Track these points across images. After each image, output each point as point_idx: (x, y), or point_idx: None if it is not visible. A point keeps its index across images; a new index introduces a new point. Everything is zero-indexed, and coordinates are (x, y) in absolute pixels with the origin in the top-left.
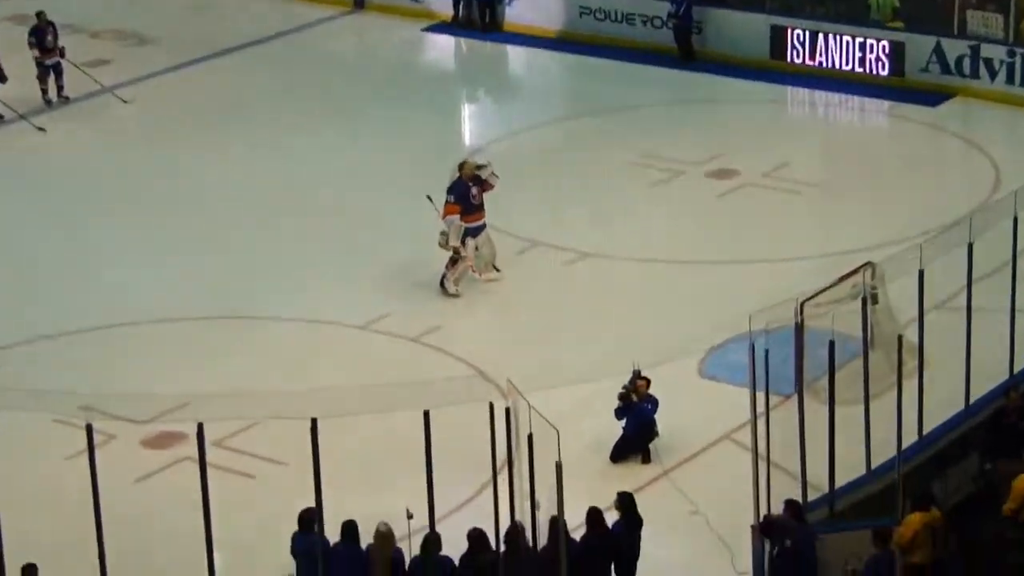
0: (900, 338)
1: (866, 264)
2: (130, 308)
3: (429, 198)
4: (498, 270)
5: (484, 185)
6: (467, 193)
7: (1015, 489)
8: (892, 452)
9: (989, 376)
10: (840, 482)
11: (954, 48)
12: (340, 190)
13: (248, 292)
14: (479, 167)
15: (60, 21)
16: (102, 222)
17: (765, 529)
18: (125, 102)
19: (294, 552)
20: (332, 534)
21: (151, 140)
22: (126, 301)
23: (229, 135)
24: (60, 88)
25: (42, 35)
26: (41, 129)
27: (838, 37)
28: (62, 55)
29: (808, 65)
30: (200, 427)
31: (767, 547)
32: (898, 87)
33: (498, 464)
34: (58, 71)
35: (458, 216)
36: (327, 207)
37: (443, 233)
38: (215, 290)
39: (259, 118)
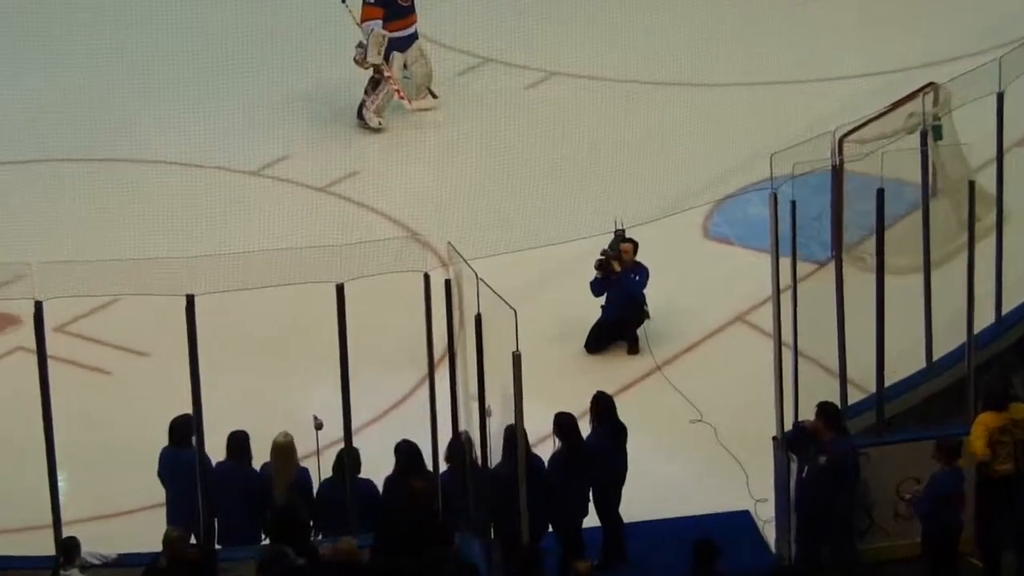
0: (972, 184)
1: (927, 85)
2: None
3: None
4: (435, 95)
5: None
6: None
7: None
8: (961, 338)
9: None
10: (891, 379)
11: None
12: None
13: (105, 125)
14: None
15: None
16: None
17: (793, 442)
18: None
19: (162, 473)
20: (214, 449)
21: None
22: None
23: None
24: None
25: None
26: None
27: None
28: None
29: None
30: (38, 306)
31: (794, 465)
32: None
33: (436, 355)
34: None
35: (380, 22)
36: (204, 15)
37: (360, 45)
38: (60, 119)
39: None
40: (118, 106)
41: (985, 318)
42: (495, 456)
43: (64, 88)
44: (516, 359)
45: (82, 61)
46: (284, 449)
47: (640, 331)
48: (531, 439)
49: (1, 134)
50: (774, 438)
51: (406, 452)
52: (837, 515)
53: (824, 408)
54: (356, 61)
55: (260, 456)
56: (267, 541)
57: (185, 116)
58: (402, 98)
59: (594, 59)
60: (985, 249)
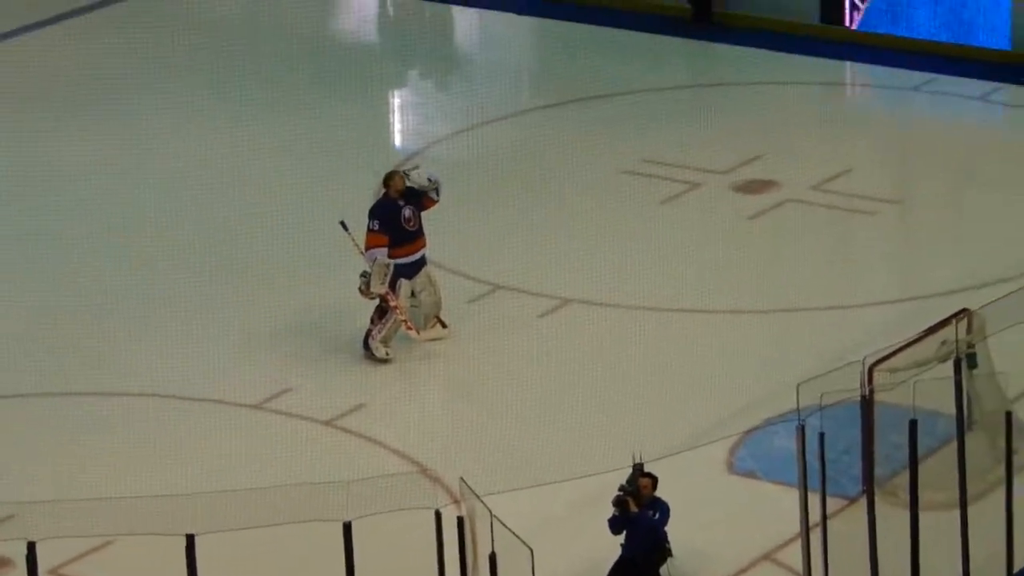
0: (1009, 415)
1: (960, 312)
2: None
3: (343, 225)
4: (444, 325)
5: (423, 202)
6: (397, 216)
7: None
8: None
9: None
10: None
11: None
12: (217, 211)
13: (93, 358)
14: (410, 173)
15: None
16: None
17: None
18: None
19: None
20: None
21: None
22: None
23: (67, 122)
24: None
25: None
26: None
27: None
28: None
29: (877, 33)
30: (31, 548)
31: None
32: (1009, 62)
33: None
34: None
35: (385, 250)
36: (199, 236)
37: (364, 274)
38: (47, 354)
39: (105, 101)
40: (100, 335)
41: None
42: None
43: (37, 314)
44: None
45: (59, 284)
46: None
47: (663, 570)
48: None
49: None
50: None
51: None
52: None
53: None
54: (360, 291)
55: None
56: None
57: (177, 346)
58: (409, 329)
59: (609, 286)
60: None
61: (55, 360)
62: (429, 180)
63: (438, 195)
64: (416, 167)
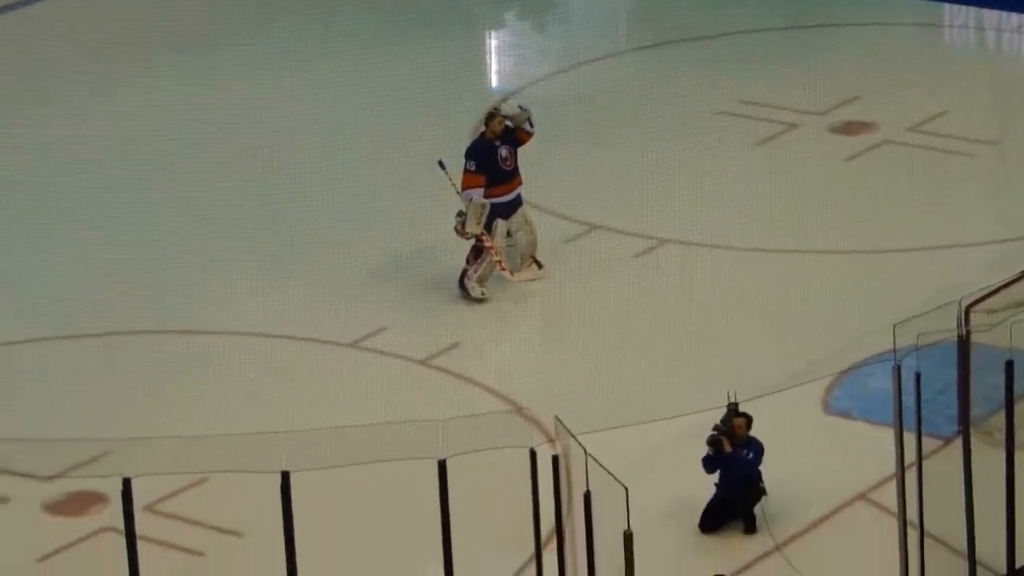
0: None
1: None
2: (21, 319)
3: (441, 164)
4: (540, 265)
5: (519, 136)
6: (494, 156)
7: None
8: None
9: None
10: None
11: None
12: (308, 153)
13: (188, 297)
14: (501, 106)
15: None
16: None
17: None
18: None
19: None
20: None
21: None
22: (14, 307)
23: (141, 85)
24: None
25: None
26: None
27: None
28: None
29: None
30: (126, 484)
31: None
32: None
33: (543, 536)
34: None
35: (481, 190)
36: (291, 178)
37: (460, 214)
38: (141, 293)
39: (182, 44)
40: (198, 273)
41: None
42: None
43: (133, 251)
44: (628, 539)
45: (156, 222)
46: None
47: (757, 509)
48: None
49: (66, 300)
50: None
51: None
52: None
53: None
54: (456, 231)
55: None
56: None
57: (272, 284)
58: (504, 269)
59: (708, 227)
60: None
61: (152, 298)
62: (520, 108)
63: (532, 125)
64: (505, 99)
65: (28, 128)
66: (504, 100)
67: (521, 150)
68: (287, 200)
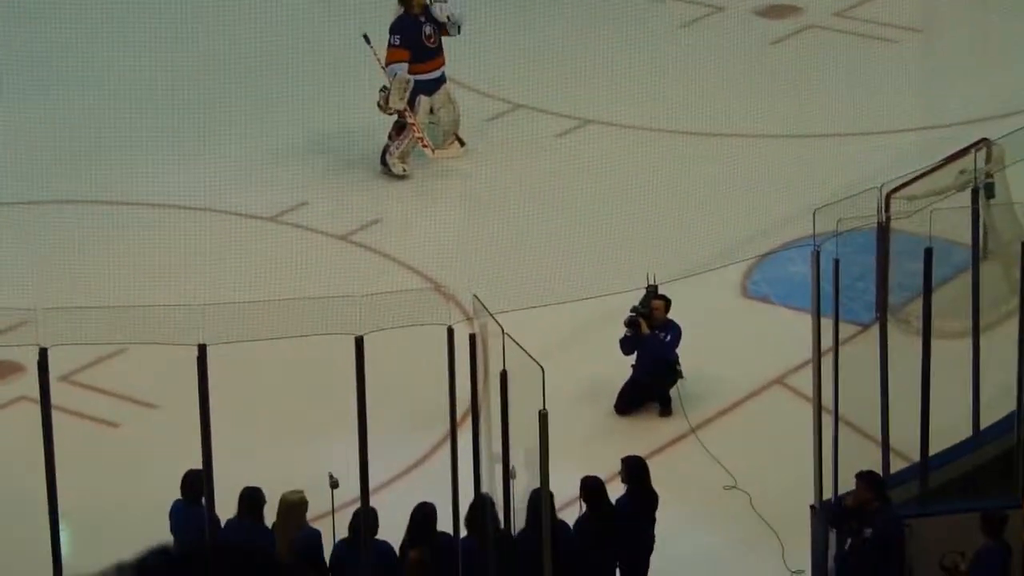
0: None
1: (980, 141)
2: None
3: (365, 37)
4: (462, 143)
5: (442, 28)
6: (418, 32)
7: None
8: (1010, 406)
9: None
10: (937, 447)
11: None
12: (234, 28)
13: (116, 167)
14: (432, 5)
15: None
16: None
17: (836, 517)
18: None
19: (173, 528)
20: (225, 506)
21: None
22: None
23: None
24: None
25: None
26: None
27: None
28: None
29: None
30: (43, 354)
31: (833, 537)
32: None
33: (458, 413)
34: None
35: (405, 65)
36: (216, 55)
37: (384, 88)
38: (66, 168)
39: None
40: (115, 143)
41: None
42: (519, 521)
43: (54, 121)
44: (543, 418)
45: (77, 91)
46: (293, 507)
47: (673, 392)
48: (557, 503)
49: None
50: (812, 507)
51: (424, 514)
52: None
53: (870, 477)
54: (379, 106)
55: (273, 515)
56: None
57: (193, 157)
58: (425, 146)
59: (631, 108)
60: None
61: (74, 167)
62: (449, 18)
63: (458, 32)
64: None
65: None
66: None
67: None
68: (218, 77)
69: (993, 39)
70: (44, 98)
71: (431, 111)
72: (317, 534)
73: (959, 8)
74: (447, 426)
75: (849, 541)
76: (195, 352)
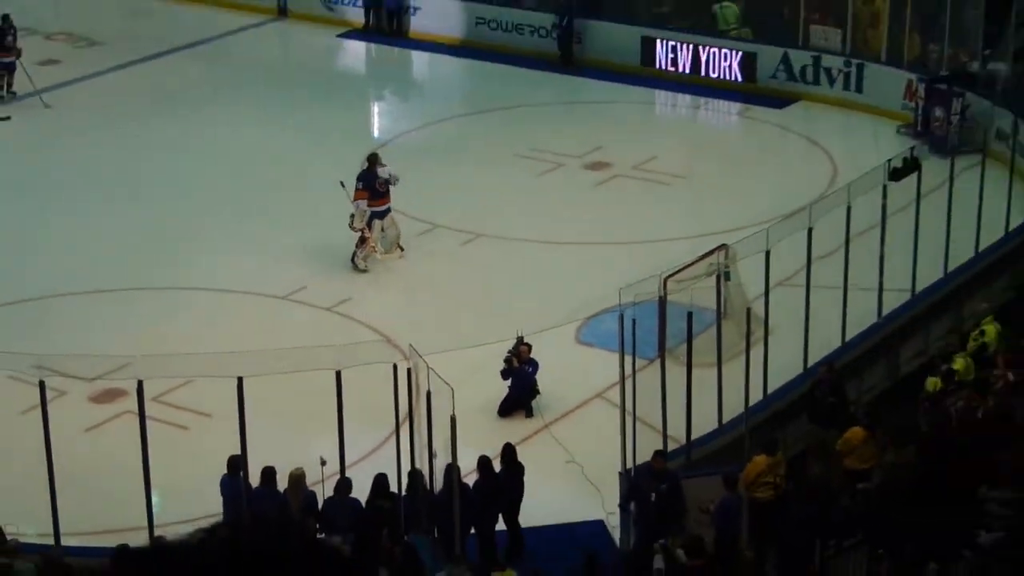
0: (748, 310)
1: (721, 246)
2: (74, 279)
3: (342, 184)
4: (402, 249)
5: (388, 181)
6: (374, 181)
7: (847, 442)
8: (740, 409)
9: (824, 344)
10: (696, 435)
11: (799, 58)
12: (264, 177)
13: (181, 265)
14: (383, 177)
15: (18, 24)
16: (48, 203)
17: (637, 475)
18: (47, 106)
19: (222, 493)
20: (254, 478)
21: (93, 130)
22: (69, 272)
23: (163, 127)
24: (10, 84)
25: (3, 35)
26: (4, 118)
27: (700, 47)
28: (18, 56)
29: (672, 71)
30: (140, 384)
31: (625, 494)
32: (750, 92)
33: (401, 418)
34: (12, 69)
35: (366, 201)
36: (251, 192)
37: (352, 216)
38: (149, 263)
39: (190, 112)
40: (177, 244)
41: (756, 396)
42: (438, 485)
43: (131, 225)
44: (452, 421)
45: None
46: (297, 479)
47: (534, 403)
48: (463, 473)
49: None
50: (620, 472)
51: (380, 481)
52: (673, 518)
53: (661, 454)
54: (349, 226)
55: (284, 484)
56: None
57: (234, 257)
58: (375, 252)
59: (506, 226)
60: (756, 352)
61: (143, 262)
62: (390, 176)
63: (396, 183)
64: (384, 166)
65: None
66: (384, 168)
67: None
68: (248, 205)
69: (735, 182)
70: (112, 206)
71: (382, 229)
72: (313, 495)
73: (708, 163)
74: (393, 425)
75: (655, 495)
76: (235, 382)
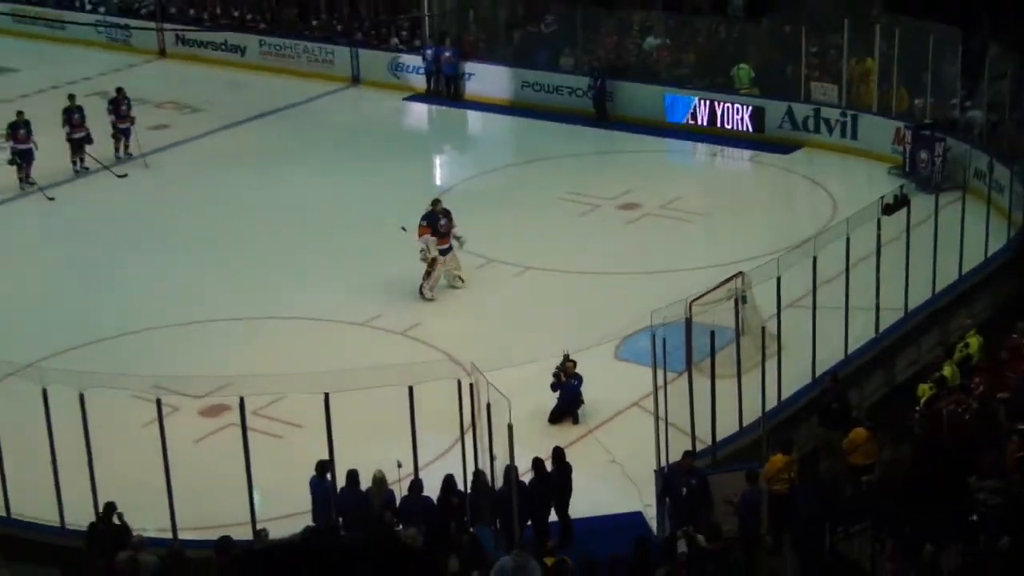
0: (763, 329)
1: (738, 273)
2: (182, 311)
3: (403, 228)
4: (463, 280)
5: (455, 237)
6: (436, 221)
7: (852, 442)
8: (758, 414)
9: (829, 357)
10: (720, 436)
11: (801, 111)
12: (345, 223)
13: (277, 298)
14: (456, 235)
15: (131, 95)
16: (166, 244)
17: (669, 473)
18: (147, 167)
19: (311, 494)
20: (340, 479)
21: (196, 184)
22: (178, 306)
23: (255, 180)
24: (127, 147)
25: (119, 105)
26: (122, 176)
27: (716, 103)
28: (132, 122)
29: (692, 124)
30: (242, 400)
31: (660, 489)
32: (760, 140)
33: (465, 427)
34: (127, 134)
35: (430, 233)
36: (335, 237)
37: (422, 250)
38: (247, 298)
39: (279, 167)
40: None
41: (772, 402)
42: (499, 483)
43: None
44: (510, 428)
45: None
46: (379, 480)
47: (579, 412)
48: (520, 473)
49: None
50: (655, 470)
51: (448, 481)
52: (701, 510)
53: (689, 454)
54: (422, 260)
55: (365, 485)
56: None
57: (321, 288)
58: (437, 282)
59: (552, 260)
60: (770, 365)
61: (242, 297)
62: (459, 237)
63: (463, 246)
64: (454, 227)
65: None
66: (454, 229)
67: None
68: (332, 247)
69: (742, 219)
70: (214, 248)
71: (443, 264)
72: (392, 493)
73: (729, 200)
74: (459, 433)
75: (686, 490)
76: (323, 397)
